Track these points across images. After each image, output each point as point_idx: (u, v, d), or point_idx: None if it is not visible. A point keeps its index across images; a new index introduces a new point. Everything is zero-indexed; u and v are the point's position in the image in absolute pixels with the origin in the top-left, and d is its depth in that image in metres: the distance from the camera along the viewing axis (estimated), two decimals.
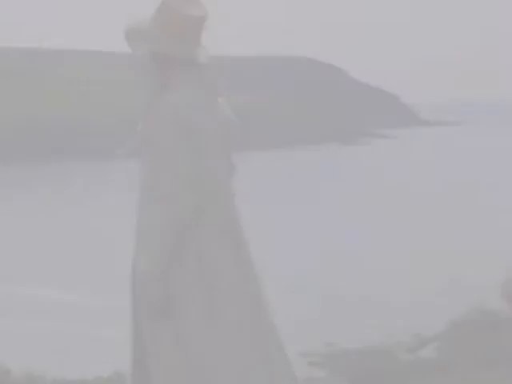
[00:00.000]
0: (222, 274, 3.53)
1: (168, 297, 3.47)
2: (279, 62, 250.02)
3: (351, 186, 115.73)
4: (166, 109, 3.50)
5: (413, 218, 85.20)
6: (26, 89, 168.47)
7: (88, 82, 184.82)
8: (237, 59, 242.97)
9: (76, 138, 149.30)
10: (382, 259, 66.70)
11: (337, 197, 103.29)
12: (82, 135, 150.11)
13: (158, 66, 3.62)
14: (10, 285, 57.31)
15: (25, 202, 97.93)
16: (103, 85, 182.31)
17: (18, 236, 72.86)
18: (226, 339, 3.49)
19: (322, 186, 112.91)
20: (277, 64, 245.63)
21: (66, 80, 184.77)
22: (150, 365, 3.52)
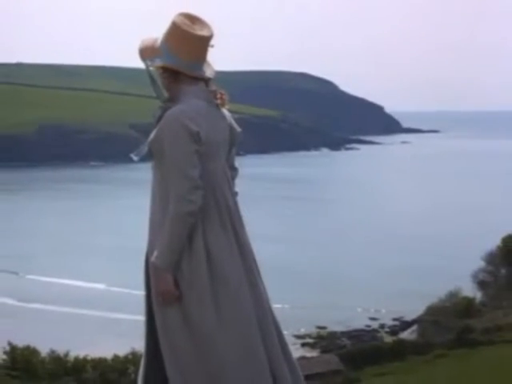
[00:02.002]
0: (226, 263, 3.53)
1: (176, 285, 3.47)
2: (276, 75, 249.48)
3: (339, 188, 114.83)
4: (173, 118, 3.50)
5: (396, 215, 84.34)
6: (56, 100, 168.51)
7: (109, 94, 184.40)
8: (241, 74, 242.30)
9: (99, 144, 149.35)
10: (367, 254, 65.73)
11: (328, 198, 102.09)
12: (105, 142, 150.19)
13: (168, 81, 3.62)
14: (42, 275, 56.67)
15: (53, 202, 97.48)
16: (123, 97, 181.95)
17: (47, 234, 71.97)
18: (229, 320, 3.49)
19: (315, 190, 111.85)
20: (274, 78, 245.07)
21: (92, 92, 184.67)
22: (160, 344, 3.53)
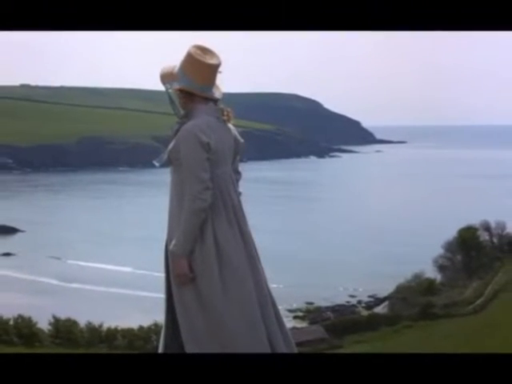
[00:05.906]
0: (231, 250, 3.51)
1: (190, 268, 3.47)
2: (272, 96, 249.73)
3: (324, 189, 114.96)
4: (188, 131, 3.50)
5: (372, 210, 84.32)
6: (93, 117, 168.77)
7: (136, 111, 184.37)
8: (243, 95, 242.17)
9: (127, 152, 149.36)
10: (348, 243, 65.59)
11: (315, 196, 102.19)
12: (132, 151, 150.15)
13: (184, 101, 3.61)
14: (80, 260, 56.69)
15: (89, 200, 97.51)
16: (147, 114, 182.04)
17: (84, 226, 72.08)
18: (234, 298, 3.48)
19: (304, 190, 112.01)
20: (270, 98, 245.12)
21: (122, 110, 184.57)
22: (178, 318, 3.52)
